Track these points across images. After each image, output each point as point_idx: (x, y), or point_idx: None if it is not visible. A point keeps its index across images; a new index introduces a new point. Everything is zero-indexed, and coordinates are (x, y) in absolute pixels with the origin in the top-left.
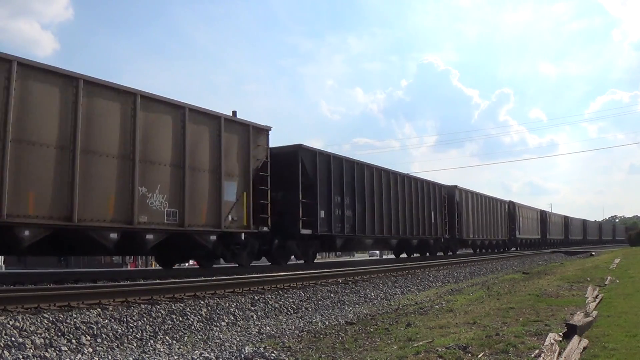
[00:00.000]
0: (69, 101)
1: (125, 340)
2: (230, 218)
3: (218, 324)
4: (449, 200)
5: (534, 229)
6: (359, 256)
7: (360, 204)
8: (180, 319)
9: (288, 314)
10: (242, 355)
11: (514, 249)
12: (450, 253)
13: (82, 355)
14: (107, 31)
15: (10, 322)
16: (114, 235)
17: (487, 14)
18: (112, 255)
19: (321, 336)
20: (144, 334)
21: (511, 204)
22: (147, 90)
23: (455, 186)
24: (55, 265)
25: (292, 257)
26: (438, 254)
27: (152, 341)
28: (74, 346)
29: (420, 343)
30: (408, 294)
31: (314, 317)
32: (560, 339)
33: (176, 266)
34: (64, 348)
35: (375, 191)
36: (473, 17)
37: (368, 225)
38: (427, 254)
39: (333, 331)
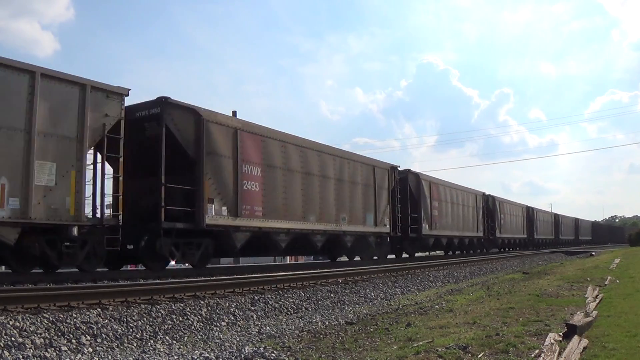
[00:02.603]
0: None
1: (125, 340)
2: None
3: (218, 324)
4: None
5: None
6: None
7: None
8: (180, 319)
9: (288, 314)
10: (242, 355)
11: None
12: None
13: (82, 355)
14: (108, 31)
15: (10, 322)
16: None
17: (487, 14)
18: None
19: (321, 336)
20: (144, 334)
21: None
22: (142, 88)
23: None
24: None
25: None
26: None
27: (152, 341)
28: (74, 346)
29: (420, 343)
30: (408, 294)
31: (314, 317)
32: (560, 339)
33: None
34: (64, 348)
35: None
36: (473, 17)
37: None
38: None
39: (333, 331)
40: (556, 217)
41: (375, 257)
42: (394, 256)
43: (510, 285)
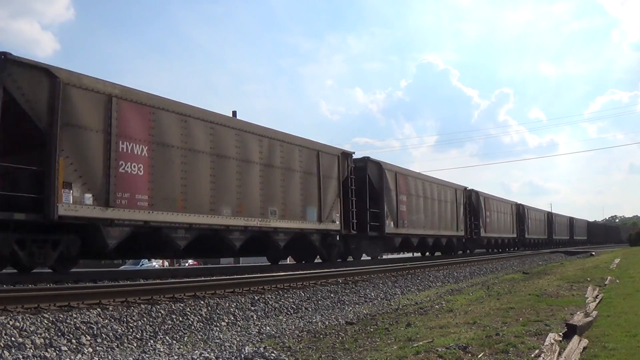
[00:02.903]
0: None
1: (125, 340)
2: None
3: (218, 324)
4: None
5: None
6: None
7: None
8: (180, 319)
9: (288, 314)
10: (242, 355)
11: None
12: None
13: (82, 355)
14: (108, 31)
15: (10, 322)
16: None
17: (487, 14)
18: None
19: (321, 336)
20: (144, 334)
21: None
22: (142, 88)
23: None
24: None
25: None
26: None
27: (152, 341)
28: (74, 346)
29: (420, 343)
30: (408, 294)
31: (314, 317)
32: (560, 339)
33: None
34: (64, 348)
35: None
36: (473, 17)
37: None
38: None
39: (333, 331)
40: (549, 215)
41: (325, 260)
42: (352, 258)
43: (510, 285)
